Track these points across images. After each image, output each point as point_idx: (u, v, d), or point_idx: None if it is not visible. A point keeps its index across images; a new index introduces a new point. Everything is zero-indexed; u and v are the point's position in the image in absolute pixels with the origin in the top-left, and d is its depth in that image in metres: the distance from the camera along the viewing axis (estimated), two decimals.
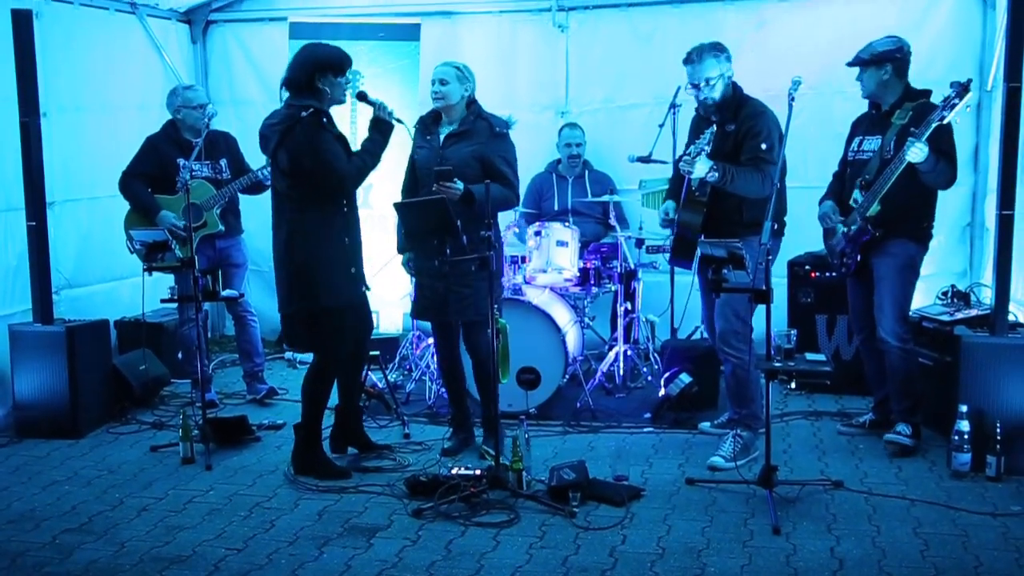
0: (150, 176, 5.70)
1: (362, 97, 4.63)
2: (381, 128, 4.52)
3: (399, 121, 4.56)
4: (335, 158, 4.39)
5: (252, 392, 6.01)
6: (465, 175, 4.55)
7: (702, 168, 4.53)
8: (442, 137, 4.76)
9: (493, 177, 4.54)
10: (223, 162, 5.77)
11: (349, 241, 4.50)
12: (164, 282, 5.56)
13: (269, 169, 5.56)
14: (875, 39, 4.74)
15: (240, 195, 5.90)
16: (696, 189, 4.67)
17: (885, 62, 4.65)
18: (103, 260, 6.39)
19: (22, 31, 5.14)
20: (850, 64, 4.75)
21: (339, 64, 4.47)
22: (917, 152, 4.36)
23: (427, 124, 4.87)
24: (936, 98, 4.66)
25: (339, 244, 4.47)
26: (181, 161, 5.61)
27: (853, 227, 4.71)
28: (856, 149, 4.87)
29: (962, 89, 4.33)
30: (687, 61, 4.65)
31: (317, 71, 4.41)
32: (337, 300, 4.48)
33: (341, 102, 4.58)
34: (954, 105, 4.33)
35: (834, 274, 5.35)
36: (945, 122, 4.39)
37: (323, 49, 4.51)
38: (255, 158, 5.75)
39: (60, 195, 6.03)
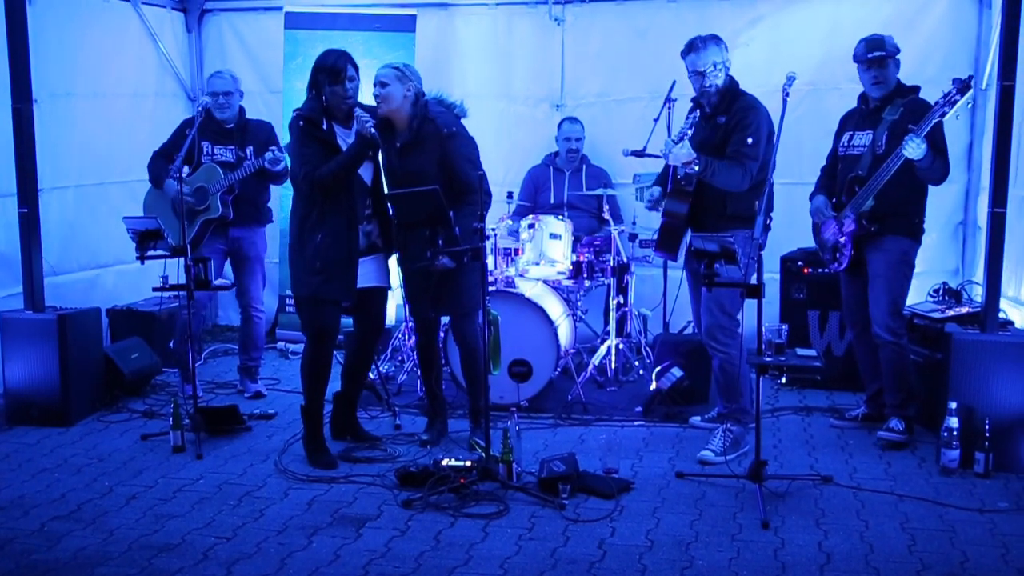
0: (174, 156, 5.65)
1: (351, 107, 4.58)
2: (358, 140, 4.48)
3: (373, 135, 4.48)
4: (300, 162, 4.51)
5: (243, 386, 5.97)
6: (431, 182, 4.49)
7: (680, 154, 4.52)
8: (398, 146, 4.69)
9: (456, 179, 4.55)
10: (249, 149, 5.68)
11: (322, 239, 4.50)
12: (159, 270, 5.50)
13: (273, 158, 5.56)
14: (864, 36, 4.72)
15: (269, 187, 5.86)
16: (682, 179, 4.67)
17: (897, 55, 4.69)
18: (88, 248, 6.36)
19: (15, 16, 5.11)
20: (877, 59, 4.64)
21: (330, 71, 4.46)
22: (914, 148, 4.36)
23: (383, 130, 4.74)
24: (926, 94, 4.66)
25: (309, 240, 4.52)
26: (205, 144, 5.61)
27: (846, 222, 4.72)
28: (847, 144, 4.86)
29: (963, 86, 4.34)
30: (689, 50, 4.61)
31: (314, 76, 4.52)
32: (298, 290, 4.66)
33: (342, 110, 4.55)
34: (955, 101, 4.34)
35: (826, 270, 5.35)
36: (945, 118, 4.39)
37: (322, 55, 4.53)
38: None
39: (48, 182, 5.97)
